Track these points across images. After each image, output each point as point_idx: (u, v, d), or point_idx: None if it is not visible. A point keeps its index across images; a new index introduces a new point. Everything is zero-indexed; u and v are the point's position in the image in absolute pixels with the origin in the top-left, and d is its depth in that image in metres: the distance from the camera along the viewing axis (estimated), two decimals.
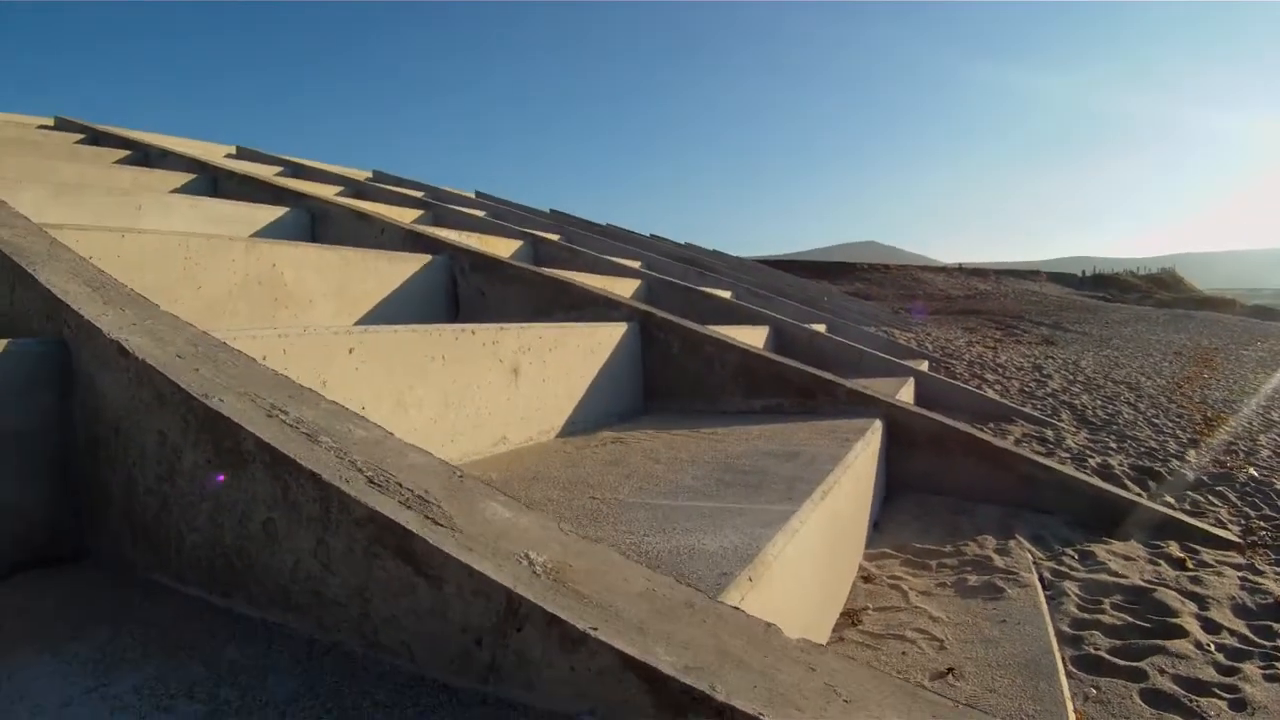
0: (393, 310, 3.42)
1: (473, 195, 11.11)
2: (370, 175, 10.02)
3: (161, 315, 1.46)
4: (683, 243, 16.08)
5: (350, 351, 1.87)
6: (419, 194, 8.52)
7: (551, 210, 12.62)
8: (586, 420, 2.95)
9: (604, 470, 2.17)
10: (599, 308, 3.57)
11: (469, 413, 2.31)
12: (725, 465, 2.20)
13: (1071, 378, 9.32)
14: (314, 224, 4.32)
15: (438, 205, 7.22)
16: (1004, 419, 5.81)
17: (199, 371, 1.17)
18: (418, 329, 2.11)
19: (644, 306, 3.59)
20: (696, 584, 1.02)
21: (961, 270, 37.99)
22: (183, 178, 4.76)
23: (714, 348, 3.44)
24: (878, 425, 3.07)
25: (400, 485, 0.94)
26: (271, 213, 4.07)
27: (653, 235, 15.37)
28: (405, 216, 6.53)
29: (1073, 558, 2.90)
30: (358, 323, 3.26)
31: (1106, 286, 39.51)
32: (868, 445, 2.72)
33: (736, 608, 0.86)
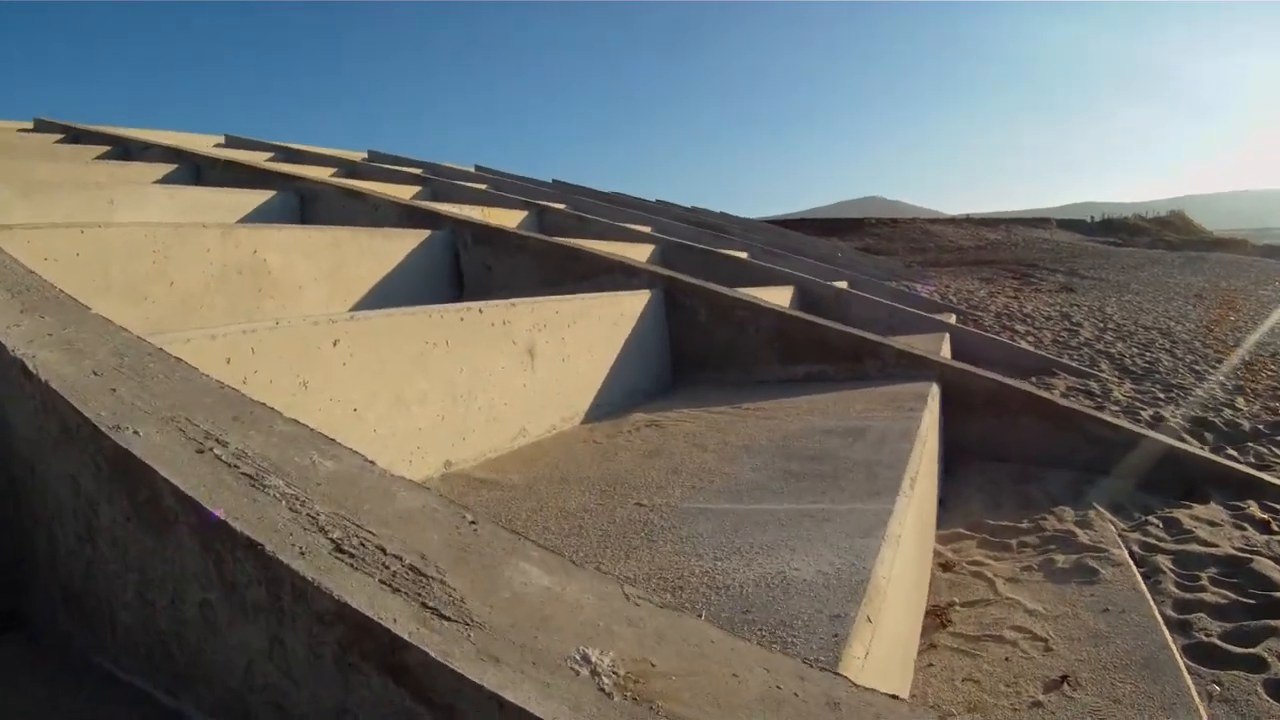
0: (391, 292, 3.12)
1: (472, 169, 10.74)
2: (366, 156, 9.67)
3: (89, 320, 1.16)
4: (689, 206, 15.69)
5: (335, 344, 1.57)
6: (416, 170, 8.17)
7: (554, 180, 12.25)
8: (613, 401, 2.65)
9: (644, 464, 1.87)
10: (615, 275, 3.26)
11: (481, 404, 2.01)
12: (785, 450, 1.90)
13: (1102, 325, 9.05)
14: (304, 206, 4.01)
15: (437, 180, 6.89)
16: (1044, 372, 5.54)
17: (116, 393, 0.87)
18: (414, 311, 1.80)
19: (665, 271, 3.27)
20: (807, 638, 0.73)
21: (970, 221, 37.65)
22: (163, 169, 4.45)
23: (746, 311, 3.13)
24: (935, 390, 2.76)
25: (383, 550, 0.63)
26: (257, 197, 3.76)
27: (659, 201, 14.99)
28: (403, 193, 6.20)
29: (1158, 526, 2.62)
30: (353, 309, 2.96)
31: (1116, 231, 39.45)
32: (931, 413, 2.41)
33: (895, 696, 0.57)
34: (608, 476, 1.77)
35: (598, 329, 2.62)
